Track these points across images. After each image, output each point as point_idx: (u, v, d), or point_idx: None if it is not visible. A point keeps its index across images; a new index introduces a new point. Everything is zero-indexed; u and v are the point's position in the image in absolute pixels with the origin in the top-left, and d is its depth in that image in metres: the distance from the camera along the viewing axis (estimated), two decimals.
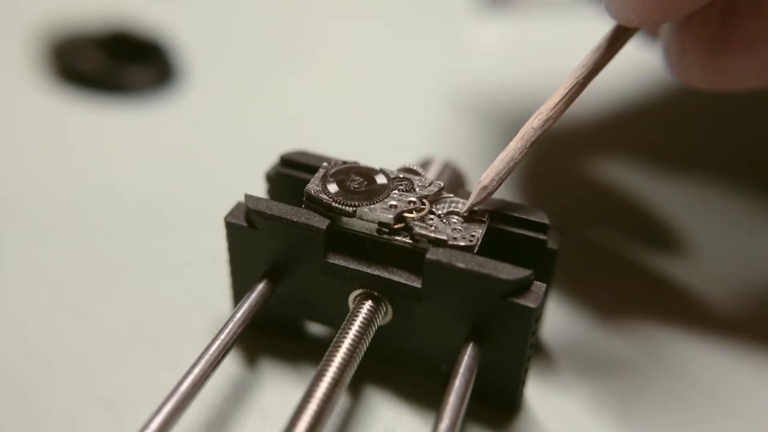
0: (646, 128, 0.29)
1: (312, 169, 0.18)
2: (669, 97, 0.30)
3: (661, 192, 0.25)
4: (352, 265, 0.16)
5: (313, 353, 0.18)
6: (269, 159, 0.19)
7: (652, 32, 0.21)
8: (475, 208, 0.16)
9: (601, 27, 0.17)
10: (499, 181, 0.16)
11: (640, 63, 0.29)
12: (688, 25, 0.17)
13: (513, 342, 0.16)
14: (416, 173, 0.17)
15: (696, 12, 0.16)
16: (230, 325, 0.16)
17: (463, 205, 0.16)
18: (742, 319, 0.20)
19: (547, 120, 0.16)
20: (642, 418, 0.18)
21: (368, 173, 0.17)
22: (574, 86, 0.16)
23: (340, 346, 0.15)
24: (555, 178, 0.26)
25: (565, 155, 0.27)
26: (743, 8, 0.16)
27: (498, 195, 0.17)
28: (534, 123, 0.16)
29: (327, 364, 0.15)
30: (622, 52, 0.17)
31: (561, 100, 0.16)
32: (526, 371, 0.17)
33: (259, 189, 0.19)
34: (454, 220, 0.16)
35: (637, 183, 0.26)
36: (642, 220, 0.24)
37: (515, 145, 0.16)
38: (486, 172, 0.16)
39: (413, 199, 0.17)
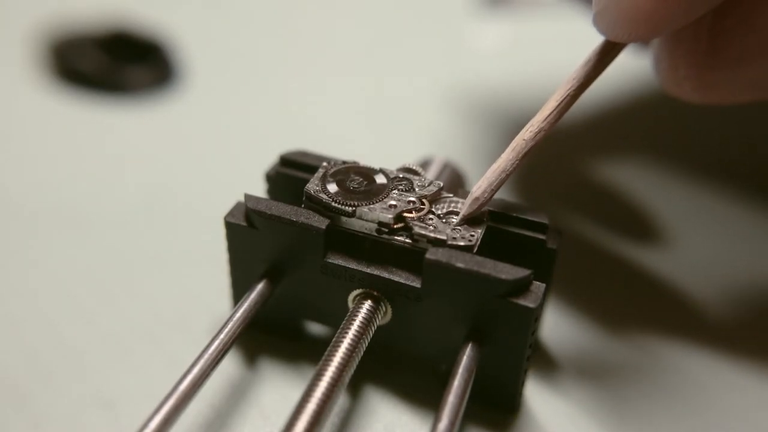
0: (645, 128, 0.29)
1: (312, 169, 0.18)
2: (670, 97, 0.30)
3: (660, 192, 0.25)
4: (352, 265, 0.16)
5: (313, 353, 0.18)
6: (269, 159, 0.19)
7: (644, 43, 0.21)
8: None
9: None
10: (492, 192, 0.16)
11: (641, 65, 0.29)
12: (678, 41, 0.17)
13: (512, 342, 0.16)
14: (416, 173, 0.17)
15: (685, 28, 0.16)
16: (230, 325, 0.16)
17: (462, 205, 0.16)
18: (743, 321, 0.20)
19: (539, 132, 0.16)
20: (640, 419, 0.18)
21: (368, 173, 0.17)
22: (565, 99, 0.16)
23: (339, 346, 0.15)
24: (554, 179, 0.26)
25: (563, 155, 0.27)
26: (732, 25, 0.16)
27: (497, 195, 0.17)
28: (525, 135, 0.16)
29: (326, 364, 0.15)
30: (617, 58, 0.17)
31: (552, 112, 0.16)
32: (525, 371, 0.17)
33: (259, 189, 0.19)
34: (454, 220, 0.16)
35: (636, 183, 0.26)
36: (642, 221, 0.24)
37: (507, 157, 0.16)
38: (478, 183, 0.16)
39: (413, 199, 0.17)
